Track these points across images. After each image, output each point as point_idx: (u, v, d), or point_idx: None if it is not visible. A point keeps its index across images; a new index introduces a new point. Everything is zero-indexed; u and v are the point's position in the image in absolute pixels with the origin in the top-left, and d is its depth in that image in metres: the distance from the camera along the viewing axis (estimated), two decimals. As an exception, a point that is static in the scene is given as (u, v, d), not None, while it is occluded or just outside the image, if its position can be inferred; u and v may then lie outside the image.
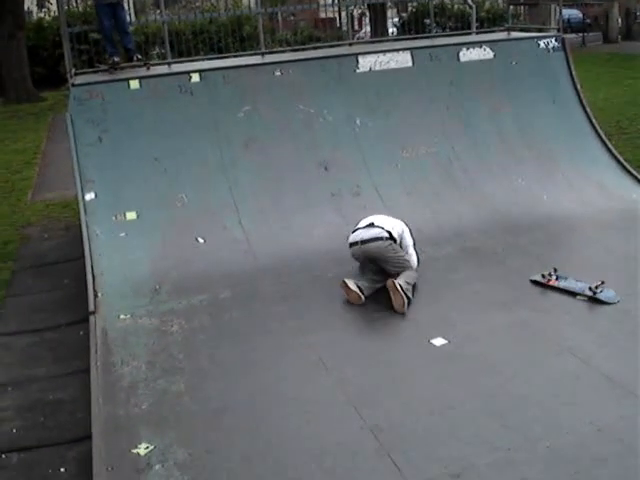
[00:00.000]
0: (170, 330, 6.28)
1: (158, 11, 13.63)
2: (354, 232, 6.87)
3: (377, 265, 6.72)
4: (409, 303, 6.33)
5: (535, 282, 6.68)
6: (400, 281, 6.39)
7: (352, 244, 6.82)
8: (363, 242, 6.70)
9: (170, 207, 7.78)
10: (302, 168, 8.30)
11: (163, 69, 9.55)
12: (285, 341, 5.94)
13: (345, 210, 8.02)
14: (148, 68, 9.44)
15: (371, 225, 6.82)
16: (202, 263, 7.34)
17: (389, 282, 6.37)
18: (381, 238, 6.67)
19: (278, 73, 8.83)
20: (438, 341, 5.70)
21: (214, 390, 5.29)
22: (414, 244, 6.99)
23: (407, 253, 6.88)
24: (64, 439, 5.06)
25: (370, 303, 6.52)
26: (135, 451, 4.56)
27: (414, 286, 6.59)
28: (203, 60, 10.98)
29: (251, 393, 5.21)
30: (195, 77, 8.54)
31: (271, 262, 7.39)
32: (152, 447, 4.58)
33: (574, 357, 5.36)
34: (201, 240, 7.58)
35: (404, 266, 6.69)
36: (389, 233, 6.74)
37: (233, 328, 6.27)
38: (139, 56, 9.87)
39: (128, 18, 11.04)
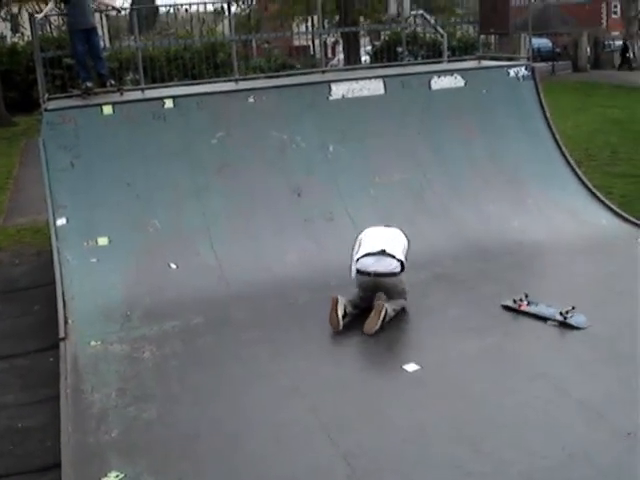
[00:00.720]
0: (141, 356, 6.23)
1: (132, 37, 13.66)
2: (364, 257, 6.69)
3: (375, 292, 6.71)
4: (380, 328, 6.34)
5: (506, 307, 6.73)
6: (388, 307, 6.42)
7: (362, 273, 6.68)
8: (377, 275, 6.62)
9: (142, 232, 7.76)
10: (275, 194, 8.33)
11: (137, 95, 9.55)
12: (258, 367, 5.91)
13: (318, 236, 8.05)
14: (121, 94, 9.45)
15: (383, 253, 6.66)
16: (174, 289, 7.31)
17: (379, 304, 6.41)
18: (395, 273, 6.64)
19: (251, 99, 8.88)
20: (411, 367, 5.71)
21: (186, 417, 5.24)
22: None
23: None
24: (33, 467, 4.97)
25: (343, 329, 6.52)
26: (105, 479, 4.50)
27: (398, 312, 6.62)
28: (177, 86, 10.99)
29: (223, 420, 5.17)
30: (169, 103, 8.56)
31: (244, 288, 7.37)
32: (122, 475, 4.53)
33: (546, 382, 5.39)
34: (173, 266, 7.55)
35: (402, 295, 6.71)
36: (401, 263, 6.69)
37: (205, 354, 6.24)
38: (112, 82, 9.87)
39: (102, 44, 11.04)
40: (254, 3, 30.64)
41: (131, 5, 29.19)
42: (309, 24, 30.59)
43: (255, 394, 5.50)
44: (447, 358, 5.90)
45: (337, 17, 28.79)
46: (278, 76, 12.58)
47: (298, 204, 8.33)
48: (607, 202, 9.36)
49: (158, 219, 7.88)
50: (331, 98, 9.10)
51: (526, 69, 10.00)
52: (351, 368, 5.89)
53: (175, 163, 8.28)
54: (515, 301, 6.70)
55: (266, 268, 7.66)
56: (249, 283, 7.44)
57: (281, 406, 5.30)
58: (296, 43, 36.43)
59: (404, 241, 6.91)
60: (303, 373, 5.75)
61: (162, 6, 29.28)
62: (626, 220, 9.10)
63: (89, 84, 9.45)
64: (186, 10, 25.76)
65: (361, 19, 28.92)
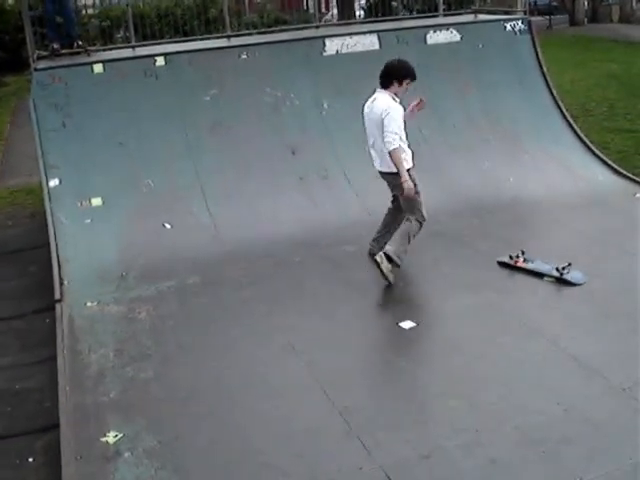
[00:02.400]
0: (138, 317, 6.23)
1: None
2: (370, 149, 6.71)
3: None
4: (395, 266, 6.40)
5: (502, 264, 6.72)
6: (387, 253, 6.37)
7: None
8: (380, 173, 6.68)
9: (136, 192, 7.71)
10: (269, 152, 8.27)
11: (128, 52, 9.42)
12: (253, 326, 5.92)
13: (312, 194, 8.02)
14: (89, 54, 9.25)
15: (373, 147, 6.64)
16: (169, 249, 7.29)
17: (377, 256, 6.42)
18: (391, 173, 6.48)
19: (244, 56, 8.77)
20: (407, 324, 5.71)
21: (182, 376, 5.26)
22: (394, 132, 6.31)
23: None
24: (32, 428, 5.00)
25: (338, 285, 6.53)
26: (104, 439, 4.52)
27: (410, 236, 6.50)
28: (168, 43, 10.83)
29: (219, 378, 5.19)
30: (160, 60, 8.45)
31: (238, 247, 7.36)
32: (121, 435, 4.55)
33: (541, 338, 5.41)
34: (168, 226, 7.52)
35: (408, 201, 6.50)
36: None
37: (201, 314, 6.24)
38: (80, 42, 9.65)
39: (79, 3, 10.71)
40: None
41: (121, -39, 28.71)
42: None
43: (251, 352, 5.52)
44: (443, 315, 5.92)
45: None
46: (271, 32, 12.38)
47: (292, 162, 8.28)
48: (604, 157, 9.31)
49: (151, 178, 7.83)
50: (325, 54, 8.99)
51: (523, 23, 9.86)
52: (347, 325, 5.88)
53: (167, 121, 8.20)
54: (511, 257, 6.69)
55: (261, 226, 7.64)
56: (244, 242, 7.42)
57: (277, 364, 5.31)
58: (290, -2, 35.88)
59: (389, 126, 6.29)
60: (298, 331, 5.76)
61: (153, -38, 28.70)
62: (622, 175, 9.07)
63: (56, 45, 9.26)
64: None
65: (355, -27, 28.48)
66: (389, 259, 6.35)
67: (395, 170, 6.33)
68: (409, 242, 6.48)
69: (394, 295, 6.35)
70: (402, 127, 6.32)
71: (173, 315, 6.24)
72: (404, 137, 6.37)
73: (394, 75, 6.37)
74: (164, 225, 7.52)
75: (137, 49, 9.61)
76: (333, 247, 7.36)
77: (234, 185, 7.99)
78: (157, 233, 7.43)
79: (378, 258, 6.36)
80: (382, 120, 6.28)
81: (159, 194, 7.74)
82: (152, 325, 6.08)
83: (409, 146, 6.51)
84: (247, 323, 5.98)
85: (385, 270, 6.33)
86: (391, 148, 6.25)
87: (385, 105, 6.31)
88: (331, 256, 7.19)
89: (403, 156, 6.33)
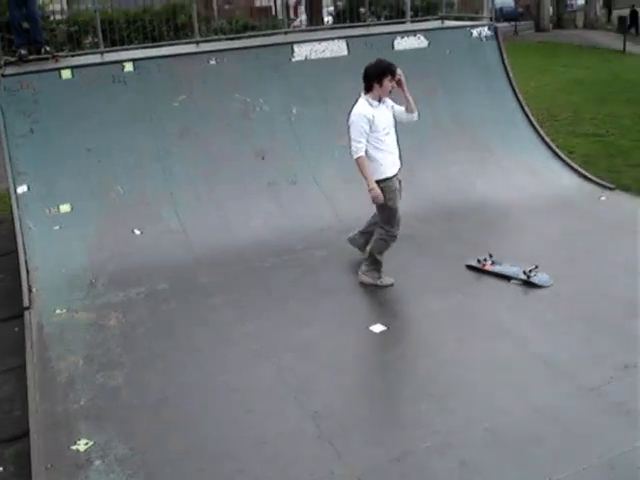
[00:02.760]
0: (107, 324, 6.19)
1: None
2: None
3: None
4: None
5: (471, 267, 6.80)
6: (360, 274, 6.65)
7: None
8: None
9: (105, 198, 7.67)
10: (238, 157, 8.28)
11: (96, 58, 9.36)
12: (224, 332, 5.92)
13: (282, 199, 8.04)
14: (56, 60, 9.16)
15: None
16: (139, 255, 7.26)
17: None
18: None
19: (213, 62, 8.77)
20: (377, 327, 5.75)
21: (153, 383, 5.24)
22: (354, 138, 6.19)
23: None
24: (1, 437, 4.94)
25: (309, 290, 6.55)
26: (74, 447, 4.50)
27: (376, 256, 6.55)
28: (137, 49, 10.79)
29: (190, 385, 5.18)
30: (128, 66, 8.41)
31: (208, 253, 7.35)
32: (92, 443, 4.52)
33: (509, 340, 5.48)
34: (138, 231, 7.49)
35: (381, 210, 6.46)
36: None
37: (171, 320, 6.22)
38: (47, 48, 9.57)
39: (39, 11, 10.58)
40: (215, -36, 29.99)
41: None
42: (271, -16, 30.13)
43: (222, 359, 5.52)
44: (413, 318, 5.98)
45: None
46: (240, 38, 12.38)
47: (262, 167, 8.28)
48: (569, 161, 9.46)
49: (121, 184, 7.79)
50: (294, 59, 9.02)
51: (489, 29, 9.99)
52: (317, 330, 5.90)
53: (136, 127, 8.16)
54: (479, 261, 6.77)
55: (231, 232, 7.64)
56: (214, 248, 7.42)
57: (248, 370, 5.32)
58: (258, 4, 35.89)
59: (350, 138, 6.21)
60: (269, 336, 5.77)
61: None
62: (587, 179, 9.23)
63: (23, 51, 9.17)
64: (146, -29, 25.20)
65: (323, -21, 28.60)
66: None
67: (376, 177, 6.25)
68: (379, 259, 6.54)
69: (364, 299, 6.40)
70: (365, 132, 6.09)
71: (143, 322, 6.22)
72: (380, 144, 6.21)
73: (371, 77, 6.21)
74: (133, 231, 7.48)
75: (106, 55, 9.56)
76: (303, 252, 7.38)
77: (203, 190, 7.99)
78: (126, 239, 7.40)
79: (359, 274, 6.62)
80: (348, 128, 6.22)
81: (128, 200, 7.71)
82: (122, 332, 6.05)
83: (400, 155, 6.49)
84: (218, 329, 5.98)
85: (366, 281, 6.56)
86: (354, 157, 6.18)
87: (352, 112, 6.22)
88: (301, 261, 7.22)
89: (375, 164, 6.19)
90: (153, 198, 7.80)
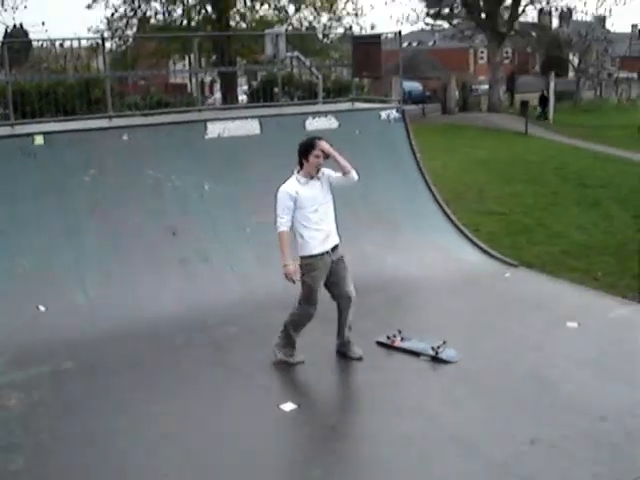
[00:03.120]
0: (7, 404, 5.94)
1: (3, 71, 13.20)
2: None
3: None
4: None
5: (381, 343, 6.87)
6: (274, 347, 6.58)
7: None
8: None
9: (9, 274, 7.45)
10: (150, 233, 8.21)
11: (5, 130, 9.21)
12: (131, 413, 5.75)
13: (193, 276, 7.99)
14: None
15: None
16: (43, 332, 7.04)
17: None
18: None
19: (126, 137, 8.75)
20: (287, 406, 5.71)
21: (55, 467, 5.03)
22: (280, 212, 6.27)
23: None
24: None
25: (220, 369, 6.48)
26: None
27: (295, 322, 6.50)
28: (49, 122, 10.69)
29: (94, 470, 4.98)
30: (39, 139, 8.31)
31: (117, 330, 7.20)
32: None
33: (420, 417, 5.53)
34: (42, 308, 7.28)
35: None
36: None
37: (76, 400, 6.01)
38: None
39: None
40: (130, 40, 30.26)
41: (3, 38, 28.32)
42: (186, 62, 30.54)
43: (128, 441, 5.35)
44: (324, 396, 5.97)
45: (214, 56, 28.94)
46: (154, 114, 12.46)
47: (173, 244, 8.24)
48: (474, 239, 9.78)
49: (27, 260, 7.59)
50: (207, 137, 9.11)
51: (397, 111, 10.36)
52: (228, 410, 5.81)
53: (45, 201, 8.01)
54: (389, 337, 6.86)
55: (141, 309, 7.51)
56: (122, 325, 7.27)
57: (155, 452, 5.17)
58: (173, 81, 36.21)
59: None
60: (178, 417, 5.64)
61: (35, 40, 28.42)
62: (492, 257, 9.54)
63: None
64: (61, 45, 25.16)
65: (238, 59, 29.18)
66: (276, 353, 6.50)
67: (301, 253, 6.28)
68: (293, 335, 6.48)
69: (276, 377, 6.36)
70: (288, 208, 6.15)
71: (46, 402, 5.99)
72: (306, 221, 6.20)
73: (299, 154, 6.28)
74: (38, 308, 7.28)
75: (16, 127, 9.43)
76: (215, 329, 7.32)
77: (113, 266, 7.87)
78: (31, 316, 7.18)
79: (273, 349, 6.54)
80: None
81: (34, 276, 7.51)
82: (23, 413, 5.81)
83: (337, 230, 6.44)
84: (125, 410, 5.80)
85: (279, 357, 6.51)
86: (277, 231, 6.22)
87: (279, 188, 6.28)
88: (213, 338, 7.14)
89: (302, 241, 6.23)
90: (60, 274, 7.63)
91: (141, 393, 6.09)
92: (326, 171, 6.39)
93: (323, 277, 6.37)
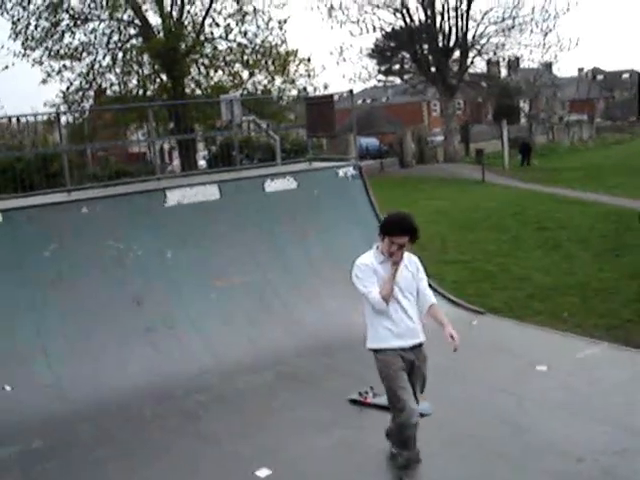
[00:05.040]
0: (-25, 489, 5.79)
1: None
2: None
3: None
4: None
5: (353, 401, 6.84)
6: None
7: None
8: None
9: (-29, 355, 7.32)
10: (114, 304, 8.14)
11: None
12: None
13: (160, 344, 7.91)
14: None
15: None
16: (10, 412, 6.90)
17: None
18: None
19: (85, 210, 8.74)
20: (263, 472, 5.63)
21: None
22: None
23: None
24: None
25: (191, 438, 6.38)
26: None
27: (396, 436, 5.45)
28: (7, 199, 10.63)
29: None
30: (-3, 217, 8.26)
31: (86, 405, 7.08)
32: None
33: (396, 472, 5.47)
34: (8, 388, 7.14)
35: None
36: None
37: (48, 480, 5.87)
38: None
39: None
40: (87, 113, 30.43)
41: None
42: (145, 131, 30.74)
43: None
44: (298, 459, 5.88)
45: (172, 123, 29.17)
46: (114, 184, 12.45)
47: (138, 313, 8.17)
48: (440, 289, 9.82)
49: (-12, 339, 7.47)
50: (167, 205, 9.13)
51: (354, 168, 10.52)
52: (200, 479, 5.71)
53: (5, 278, 7.93)
54: (361, 394, 6.83)
55: (109, 383, 7.40)
56: (91, 399, 7.16)
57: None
58: (133, 150, 36.40)
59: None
60: (151, 490, 5.54)
61: (-8, 116, 28.51)
62: (459, 305, 9.60)
63: None
64: (18, 120, 25.24)
65: (196, 125, 29.46)
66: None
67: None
68: (409, 455, 5.37)
69: (248, 444, 6.25)
70: (372, 278, 5.38)
71: (16, 485, 5.85)
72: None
73: (380, 227, 5.47)
74: (4, 387, 7.13)
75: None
76: (184, 398, 7.23)
77: (78, 340, 7.77)
78: (-3, 397, 7.04)
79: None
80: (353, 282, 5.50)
81: (-3, 355, 7.38)
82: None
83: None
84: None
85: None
86: (373, 301, 5.38)
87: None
88: (183, 407, 7.06)
89: (372, 330, 5.56)
90: (25, 352, 7.50)
91: (115, 467, 5.97)
92: (412, 260, 5.61)
93: (412, 379, 5.48)
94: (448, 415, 6.35)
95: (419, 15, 40.21)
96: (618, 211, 18.37)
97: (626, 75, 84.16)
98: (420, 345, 5.45)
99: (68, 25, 29.18)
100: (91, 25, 29.57)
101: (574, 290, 11.27)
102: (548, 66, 50.94)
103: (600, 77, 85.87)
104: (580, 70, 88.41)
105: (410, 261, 5.47)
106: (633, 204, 18.58)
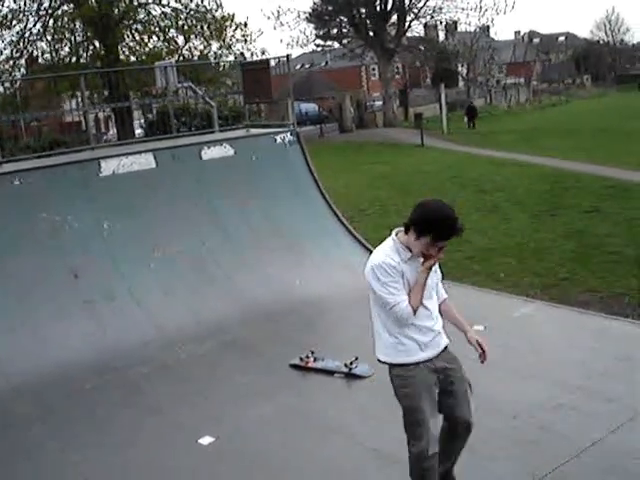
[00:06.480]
0: None
1: None
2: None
3: None
4: None
5: (295, 366, 6.89)
6: None
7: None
8: None
9: None
10: (50, 278, 7.97)
11: None
12: (46, 464, 5.58)
13: (100, 317, 7.80)
14: None
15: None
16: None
17: None
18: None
19: (17, 182, 8.50)
20: (205, 440, 5.64)
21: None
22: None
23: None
24: None
25: (133, 410, 6.35)
26: None
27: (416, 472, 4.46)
28: None
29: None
30: None
31: (26, 380, 6.95)
32: None
33: (340, 435, 5.57)
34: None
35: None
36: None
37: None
38: None
39: None
40: (19, 83, 29.55)
41: None
42: (80, 100, 29.99)
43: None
44: (242, 426, 5.91)
45: (106, 92, 28.52)
46: (48, 155, 12.15)
47: (76, 286, 8.03)
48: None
49: None
50: (102, 175, 8.94)
51: (291, 134, 10.46)
52: (145, 451, 5.68)
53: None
54: (302, 359, 6.88)
55: (48, 356, 7.28)
56: (31, 374, 7.03)
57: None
58: (68, 119, 35.46)
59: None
60: (94, 464, 5.49)
61: None
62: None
63: None
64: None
65: (131, 93, 28.85)
66: None
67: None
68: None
69: (192, 413, 6.25)
70: (399, 283, 4.24)
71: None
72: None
73: (411, 219, 4.20)
74: None
75: None
76: (126, 370, 7.16)
77: (15, 316, 7.59)
78: None
79: None
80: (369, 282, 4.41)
81: None
82: None
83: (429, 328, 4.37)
84: (39, 462, 5.62)
85: None
86: (402, 313, 4.27)
87: (370, 260, 4.43)
88: (124, 379, 6.99)
89: (393, 341, 4.46)
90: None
91: (56, 443, 5.90)
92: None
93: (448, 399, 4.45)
94: (387, 378, 6.42)
95: (356, -22, 40.00)
96: (554, 172, 18.75)
97: (562, 38, 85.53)
98: (446, 347, 4.48)
99: (-5, -8, 28.23)
100: (20, -9, 28.63)
101: (512, 251, 11.52)
102: (485, 29, 51.42)
103: (536, 40, 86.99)
104: (517, 33, 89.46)
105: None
106: (568, 165, 18.99)
